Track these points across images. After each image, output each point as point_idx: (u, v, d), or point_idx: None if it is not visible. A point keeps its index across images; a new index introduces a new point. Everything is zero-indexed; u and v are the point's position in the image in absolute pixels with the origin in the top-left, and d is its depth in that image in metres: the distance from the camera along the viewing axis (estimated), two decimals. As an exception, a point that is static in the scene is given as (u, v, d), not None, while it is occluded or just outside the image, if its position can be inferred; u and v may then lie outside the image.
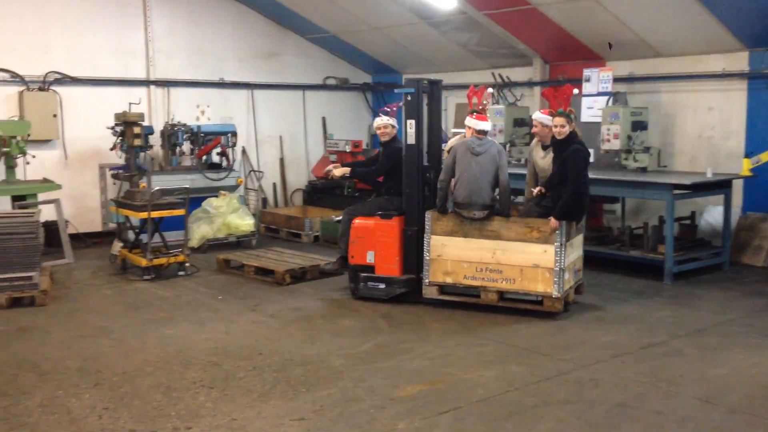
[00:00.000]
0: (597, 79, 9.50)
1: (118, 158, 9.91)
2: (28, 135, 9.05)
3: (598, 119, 9.10)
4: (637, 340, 6.05)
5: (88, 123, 10.30)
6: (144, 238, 8.38)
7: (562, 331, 6.34)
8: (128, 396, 4.89)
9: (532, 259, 6.63)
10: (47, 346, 5.95)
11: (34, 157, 9.30)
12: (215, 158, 10.78)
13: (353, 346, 5.93)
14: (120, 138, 9.57)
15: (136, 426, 4.43)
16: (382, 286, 7.13)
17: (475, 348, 5.88)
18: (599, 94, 9.42)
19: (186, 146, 10.59)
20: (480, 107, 7.28)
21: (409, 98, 7.09)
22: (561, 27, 9.63)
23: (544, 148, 7.28)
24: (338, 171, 7.67)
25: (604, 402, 4.79)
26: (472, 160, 6.81)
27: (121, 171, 9.61)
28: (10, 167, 9.02)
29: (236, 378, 5.22)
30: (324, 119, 12.79)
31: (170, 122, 10.63)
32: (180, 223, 8.67)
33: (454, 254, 6.92)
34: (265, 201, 12.25)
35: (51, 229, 9.07)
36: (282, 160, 12.46)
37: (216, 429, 4.40)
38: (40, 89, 10.05)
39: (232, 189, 10.38)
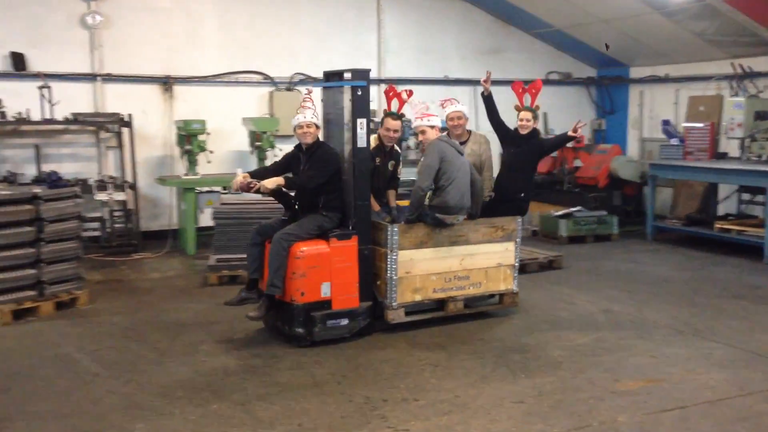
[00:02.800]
0: None
1: (350, 152, 10.71)
2: (277, 130, 10.13)
3: None
4: None
5: (325, 120, 11.27)
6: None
7: (805, 340, 5.89)
8: (362, 367, 5.40)
9: (496, 258, 6.59)
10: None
11: (281, 150, 10.36)
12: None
13: (571, 339, 5.99)
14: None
15: (370, 393, 4.89)
16: (344, 322, 5.91)
17: (704, 349, 5.67)
18: None
19: (411, 140, 11.18)
20: (399, 111, 6.64)
21: (359, 93, 5.95)
22: (816, 10, 8.80)
23: None
24: (270, 183, 5.94)
25: None
26: (461, 161, 6.27)
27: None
28: (261, 159, 10.19)
29: (458, 359, 5.54)
30: (545, 114, 12.75)
31: (398, 118, 11.25)
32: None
33: (424, 268, 6.24)
34: (485, 195, 12.49)
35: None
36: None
37: (440, 403, 4.73)
38: (287, 89, 11.17)
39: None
